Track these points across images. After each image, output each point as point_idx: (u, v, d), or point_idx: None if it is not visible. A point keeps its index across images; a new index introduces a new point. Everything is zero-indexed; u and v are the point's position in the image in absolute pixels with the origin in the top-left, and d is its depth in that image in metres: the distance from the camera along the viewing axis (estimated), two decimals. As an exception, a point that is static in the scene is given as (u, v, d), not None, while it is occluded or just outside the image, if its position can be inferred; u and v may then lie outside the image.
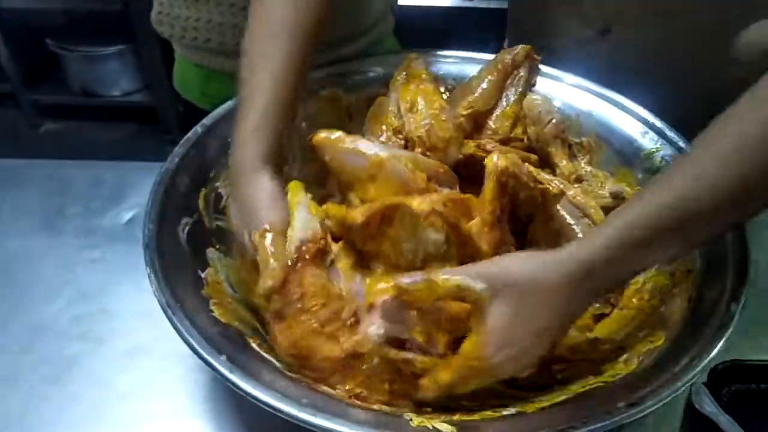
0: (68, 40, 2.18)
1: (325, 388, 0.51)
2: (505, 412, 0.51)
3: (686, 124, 0.65)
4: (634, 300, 0.61)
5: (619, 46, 0.79)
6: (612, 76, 0.76)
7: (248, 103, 0.61)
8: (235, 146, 0.60)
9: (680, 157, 0.65)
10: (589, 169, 0.72)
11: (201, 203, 0.62)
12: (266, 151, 0.59)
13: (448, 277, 0.48)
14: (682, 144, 0.68)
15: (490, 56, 0.77)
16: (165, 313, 0.50)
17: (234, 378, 0.46)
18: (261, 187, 0.58)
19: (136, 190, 0.86)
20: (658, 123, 0.70)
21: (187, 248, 0.58)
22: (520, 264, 0.50)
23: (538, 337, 0.49)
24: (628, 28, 0.78)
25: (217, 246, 0.62)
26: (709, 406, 0.52)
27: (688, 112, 0.61)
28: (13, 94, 2.25)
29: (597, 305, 0.61)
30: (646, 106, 0.72)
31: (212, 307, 0.54)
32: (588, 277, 0.47)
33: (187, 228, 0.59)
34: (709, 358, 0.48)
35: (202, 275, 0.57)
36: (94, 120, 2.31)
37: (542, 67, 0.77)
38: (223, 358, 0.47)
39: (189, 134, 0.66)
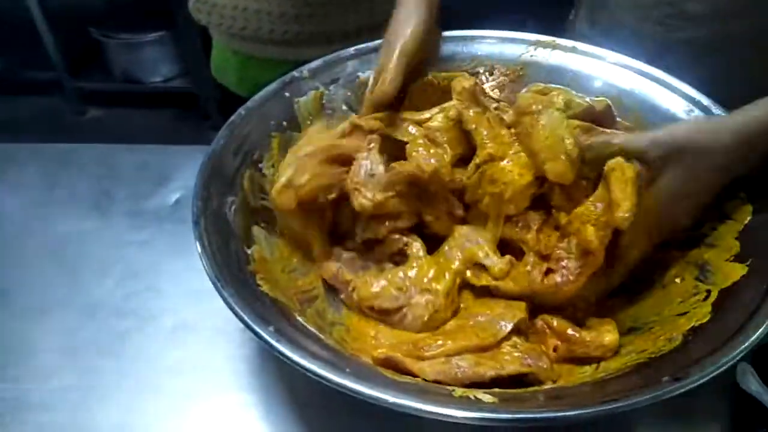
0: (110, 27, 2.22)
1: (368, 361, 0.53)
2: (546, 387, 0.51)
3: (735, 103, 0.63)
4: (676, 279, 0.61)
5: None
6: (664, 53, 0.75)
7: None
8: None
9: None
10: None
11: (246, 183, 0.64)
12: None
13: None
14: None
15: (530, 35, 0.76)
16: (215, 285, 0.51)
17: (281, 347, 0.47)
18: None
19: (180, 173, 0.88)
20: (705, 100, 0.68)
21: (234, 226, 0.60)
22: (686, 130, 0.56)
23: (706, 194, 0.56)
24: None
25: (262, 225, 0.63)
26: (754, 386, 0.52)
27: (736, 92, 0.60)
28: (59, 81, 2.30)
29: None
30: (693, 85, 0.70)
31: (259, 282, 0.55)
32: (746, 142, 0.54)
33: (233, 207, 0.61)
34: (755, 336, 0.48)
35: (249, 251, 0.58)
36: (135, 106, 2.36)
37: (583, 46, 0.75)
38: (271, 329, 0.48)
39: (233, 117, 0.67)
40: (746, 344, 0.47)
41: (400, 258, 0.64)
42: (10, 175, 0.89)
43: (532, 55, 0.75)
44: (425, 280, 0.60)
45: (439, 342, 0.55)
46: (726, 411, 0.57)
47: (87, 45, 2.28)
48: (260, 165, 0.66)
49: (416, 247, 0.62)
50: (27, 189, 0.87)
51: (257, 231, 0.62)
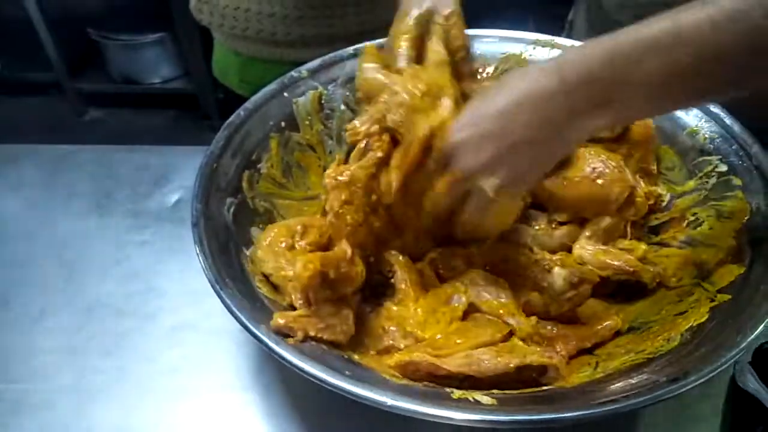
0: (109, 29, 2.21)
1: (371, 365, 0.53)
2: (544, 388, 0.51)
3: (733, 103, 0.63)
4: (673, 279, 0.61)
5: None
6: None
7: None
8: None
9: None
10: None
11: (245, 185, 0.64)
12: None
13: None
14: (727, 120, 0.65)
15: (529, 34, 0.76)
16: (213, 288, 0.51)
17: (280, 350, 0.47)
18: None
19: (179, 174, 0.88)
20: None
21: (233, 227, 0.60)
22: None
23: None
24: None
25: (261, 225, 0.63)
26: (753, 384, 0.52)
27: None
28: (58, 82, 2.30)
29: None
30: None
31: (257, 284, 0.56)
32: (562, 83, 0.46)
33: (232, 208, 0.61)
34: (752, 337, 0.48)
35: (247, 253, 0.59)
36: (135, 107, 2.36)
37: (558, 39, 0.75)
38: (265, 329, 0.49)
39: (231, 118, 0.67)
40: (744, 344, 0.47)
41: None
42: (10, 176, 0.89)
43: (531, 54, 0.76)
44: (411, 322, 0.57)
45: (457, 341, 0.54)
46: (724, 410, 0.57)
47: (86, 46, 2.28)
48: (259, 165, 0.66)
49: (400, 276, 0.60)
50: (27, 190, 0.87)
51: (256, 232, 0.62)
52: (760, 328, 0.48)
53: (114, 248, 0.79)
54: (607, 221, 0.63)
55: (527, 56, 0.75)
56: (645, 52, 0.44)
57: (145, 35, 2.21)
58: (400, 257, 0.60)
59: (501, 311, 0.57)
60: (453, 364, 0.51)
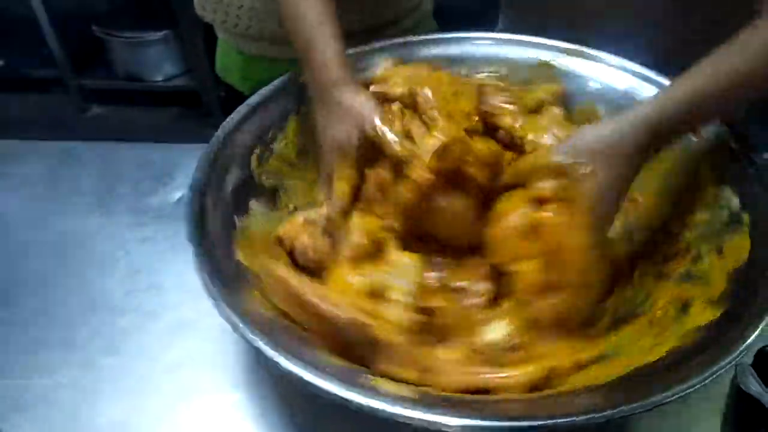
0: (113, 26, 2.22)
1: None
2: (540, 393, 0.51)
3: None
4: (659, 312, 0.58)
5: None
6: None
7: (310, 38, 0.66)
8: (315, 71, 0.65)
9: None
10: None
11: (254, 160, 0.65)
12: (349, 71, 0.65)
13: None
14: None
15: (560, 43, 0.76)
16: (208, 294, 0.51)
17: (276, 357, 0.47)
18: (363, 93, 0.64)
19: (182, 170, 0.88)
20: None
21: (225, 234, 0.60)
22: (596, 132, 0.57)
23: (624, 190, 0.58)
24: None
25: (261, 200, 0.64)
26: (754, 386, 0.52)
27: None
28: (62, 79, 2.31)
29: None
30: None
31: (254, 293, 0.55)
32: (655, 137, 0.56)
33: (234, 180, 0.62)
34: (746, 344, 0.47)
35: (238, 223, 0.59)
36: (138, 104, 2.36)
37: (586, 49, 0.75)
38: (264, 337, 0.48)
39: (252, 98, 0.68)
40: (736, 353, 0.46)
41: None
42: (12, 172, 0.90)
43: (561, 64, 0.75)
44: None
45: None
46: (725, 412, 0.57)
47: (90, 43, 2.28)
48: (272, 145, 0.67)
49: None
50: (30, 186, 0.88)
51: (255, 205, 0.62)
52: (753, 336, 0.47)
53: (115, 245, 0.79)
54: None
55: (557, 65, 0.76)
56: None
57: (149, 33, 2.21)
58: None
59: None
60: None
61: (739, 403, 0.54)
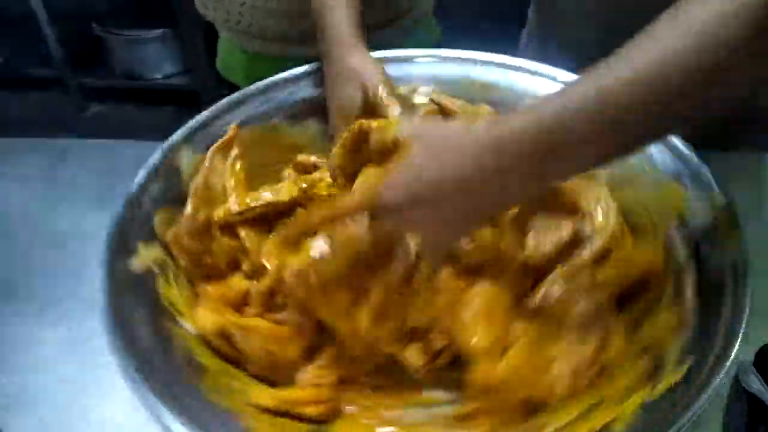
0: (112, 24, 2.21)
1: None
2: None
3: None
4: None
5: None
6: None
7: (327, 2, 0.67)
8: (327, 30, 0.66)
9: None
10: None
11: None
12: (361, 35, 0.65)
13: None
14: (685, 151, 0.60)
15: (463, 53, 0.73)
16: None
17: None
18: (370, 59, 0.64)
19: (181, 169, 0.88)
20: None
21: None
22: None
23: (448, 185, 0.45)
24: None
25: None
26: (756, 385, 0.52)
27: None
28: (61, 78, 2.30)
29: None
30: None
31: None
32: (498, 141, 0.44)
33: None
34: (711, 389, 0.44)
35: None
36: (137, 102, 2.36)
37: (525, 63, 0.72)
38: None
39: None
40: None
41: None
42: (11, 170, 0.89)
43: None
44: None
45: None
46: (727, 410, 0.57)
47: (89, 41, 2.27)
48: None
49: None
50: (29, 184, 0.87)
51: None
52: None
53: (115, 243, 0.79)
54: None
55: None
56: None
57: (148, 31, 2.21)
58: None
59: None
60: None
61: (740, 401, 0.54)
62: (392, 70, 0.67)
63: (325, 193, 0.60)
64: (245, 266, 0.60)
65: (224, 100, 0.71)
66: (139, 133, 0.90)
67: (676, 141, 0.61)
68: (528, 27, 0.97)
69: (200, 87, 2.21)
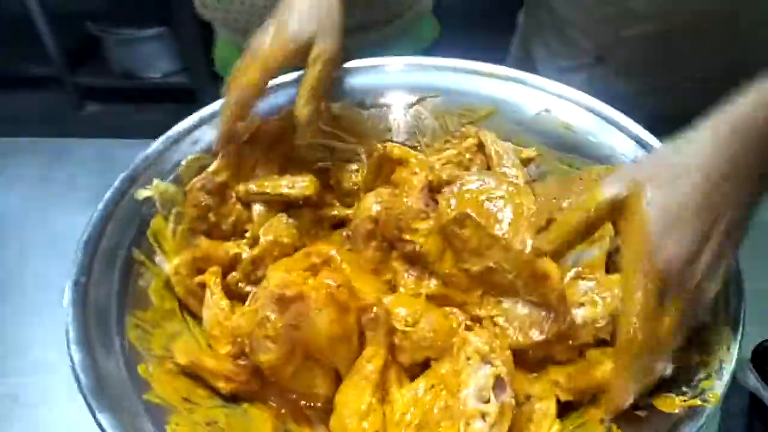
0: (109, 23, 2.21)
1: None
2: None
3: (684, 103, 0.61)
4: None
5: (617, 69, 0.78)
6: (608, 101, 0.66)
7: None
8: None
9: None
10: None
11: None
12: None
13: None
14: None
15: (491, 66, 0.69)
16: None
17: None
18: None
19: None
20: (650, 139, 0.60)
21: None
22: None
23: (706, 209, 0.41)
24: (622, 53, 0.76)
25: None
26: (753, 381, 0.52)
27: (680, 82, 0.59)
28: (57, 77, 2.30)
29: None
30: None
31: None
32: (733, 132, 0.41)
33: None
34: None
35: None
36: (134, 101, 2.36)
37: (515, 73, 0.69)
38: None
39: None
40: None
41: None
42: (8, 170, 0.89)
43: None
44: None
45: None
46: (724, 407, 0.57)
47: (85, 40, 2.27)
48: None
49: None
50: (25, 183, 0.87)
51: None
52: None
53: (112, 242, 0.79)
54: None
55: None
56: None
57: (145, 30, 2.21)
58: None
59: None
60: None
61: (737, 398, 0.54)
62: (366, 79, 0.68)
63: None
64: (249, 233, 0.63)
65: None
66: (136, 132, 0.89)
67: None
68: (518, 32, 0.97)
69: (197, 85, 2.21)
